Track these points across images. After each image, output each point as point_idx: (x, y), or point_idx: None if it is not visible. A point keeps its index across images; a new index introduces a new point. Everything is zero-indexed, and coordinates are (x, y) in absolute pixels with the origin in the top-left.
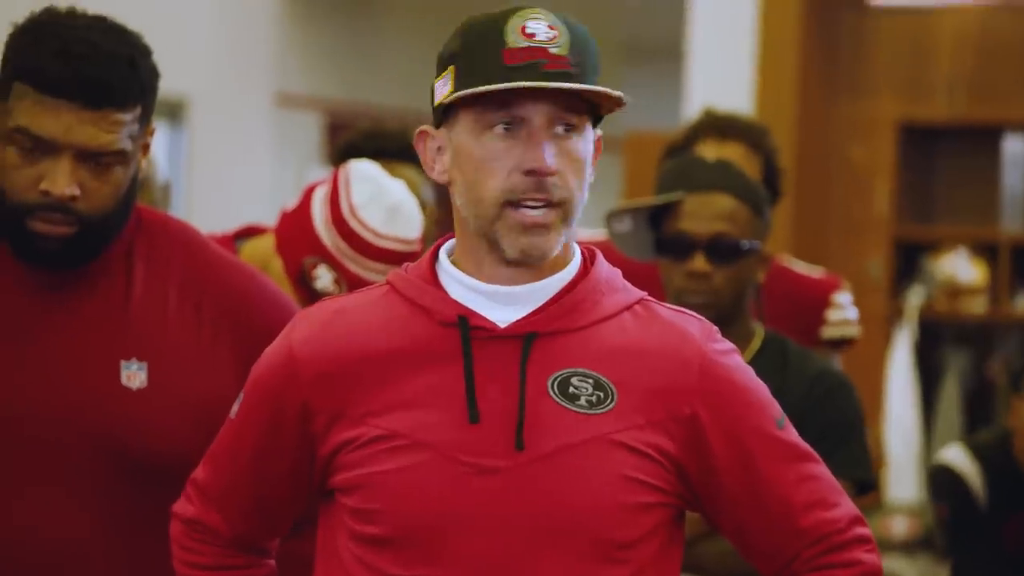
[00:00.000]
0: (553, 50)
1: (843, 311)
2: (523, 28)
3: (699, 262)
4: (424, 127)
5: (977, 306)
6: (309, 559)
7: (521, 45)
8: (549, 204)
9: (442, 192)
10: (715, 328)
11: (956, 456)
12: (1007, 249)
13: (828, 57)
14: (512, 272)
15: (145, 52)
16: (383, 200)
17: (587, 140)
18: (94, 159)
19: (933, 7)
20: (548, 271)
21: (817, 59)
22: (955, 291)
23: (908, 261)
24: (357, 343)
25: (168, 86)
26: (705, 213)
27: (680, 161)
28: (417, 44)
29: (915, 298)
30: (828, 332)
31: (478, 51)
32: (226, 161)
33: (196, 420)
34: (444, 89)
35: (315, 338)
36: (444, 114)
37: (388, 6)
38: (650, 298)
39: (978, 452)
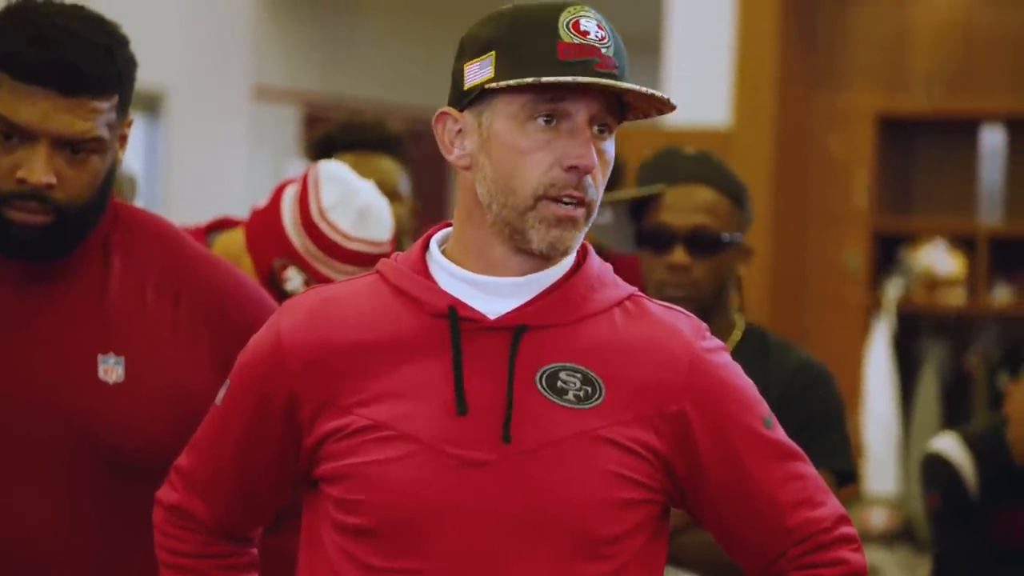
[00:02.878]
0: (604, 50)
1: None
2: (576, 24)
3: (679, 254)
4: (445, 108)
5: (955, 298)
6: (291, 555)
7: (576, 41)
8: (581, 202)
9: (419, 182)
10: (705, 326)
11: (948, 445)
12: (985, 241)
13: (806, 48)
14: (517, 263)
15: (122, 41)
16: (353, 202)
17: (613, 143)
18: (71, 147)
19: None
20: (543, 264)
21: (795, 50)
22: (933, 283)
23: (886, 253)
24: (345, 332)
25: (145, 78)
26: (685, 205)
27: (660, 154)
28: (395, 37)
29: (893, 290)
30: None
31: (529, 41)
32: (203, 154)
33: (173, 414)
34: (483, 72)
35: (303, 326)
36: (474, 98)
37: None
38: (641, 294)
39: (970, 442)
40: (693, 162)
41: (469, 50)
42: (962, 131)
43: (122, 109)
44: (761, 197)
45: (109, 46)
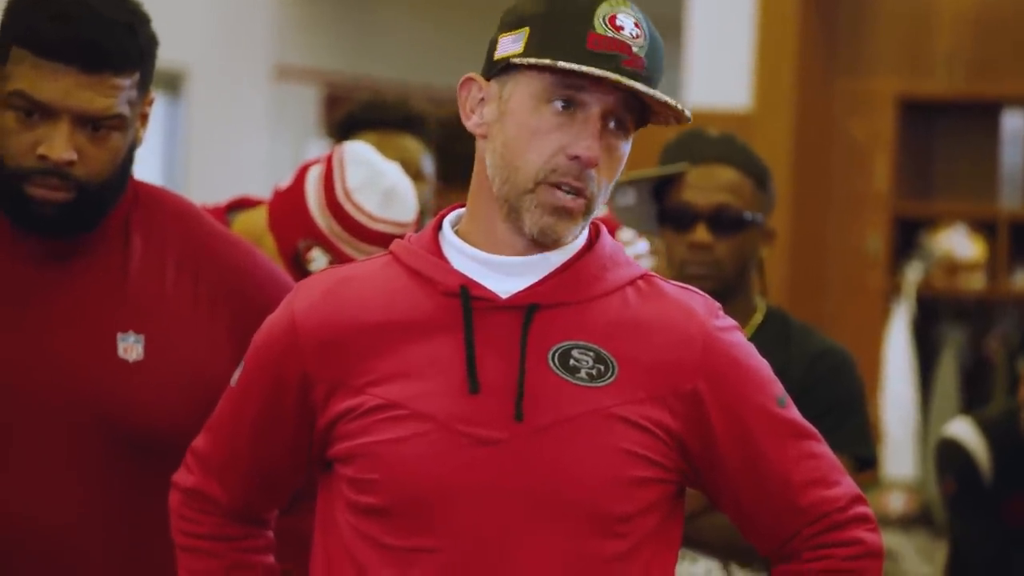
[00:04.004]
0: (635, 48)
1: (631, 248)
2: (613, 18)
3: (701, 233)
4: (472, 74)
5: (975, 282)
6: (306, 536)
7: (608, 34)
8: (581, 193)
9: (442, 163)
10: (718, 305)
11: (963, 430)
12: (1006, 225)
13: (827, 33)
14: (519, 242)
15: (144, 19)
16: (378, 183)
17: (628, 143)
18: (92, 124)
19: None
20: (542, 246)
21: (816, 35)
22: (953, 267)
23: (906, 237)
24: (359, 312)
25: (166, 58)
26: (708, 185)
27: (684, 134)
28: (416, 17)
29: (913, 274)
30: None
31: (563, 25)
32: (224, 133)
33: (192, 394)
34: (514, 46)
35: (317, 307)
36: (501, 70)
37: None
38: (654, 273)
39: (985, 427)
40: (717, 143)
41: (507, 22)
42: (983, 115)
43: (143, 87)
44: (781, 181)
45: (131, 23)
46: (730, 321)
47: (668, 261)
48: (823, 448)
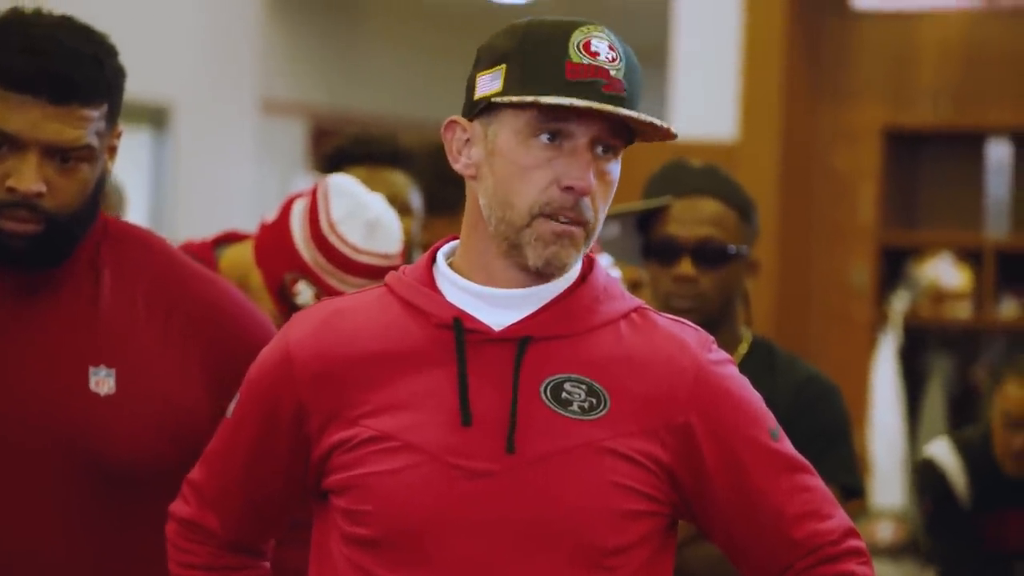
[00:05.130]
0: (613, 72)
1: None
2: (587, 44)
3: (686, 266)
4: (455, 117)
5: (962, 311)
6: (299, 569)
7: (585, 62)
8: (577, 222)
9: (430, 196)
10: (711, 338)
11: (940, 451)
12: (991, 254)
13: (812, 63)
14: (517, 276)
15: (111, 51)
16: (362, 215)
17: (618, 164)
18: (60, 155)
19: (917, 12)
20: (543, 279)
21: (801, 65)
22: (939, 296)
23: (893, 267)
24: (352, 344)
25: (152, 92)
26: (692, 218)
27: (667, 166)
28: (401, 51)
29: (899, 304)
30: None
31: (539, 58)
32: (210, 167)
33: (165, 426)
34: (493, 85)
35: (311, 339)
36: (483, 109)
37: (372, 13)
38: (647, 306)
39: (962, 447)
40: (700, 174)
41: (483, 60)
42: (968, 145)
43: (111, 119)
44: (767, 211)
45: (97, 55)
46: (723, 354)
47: (653, 293)
48: (816, 481)
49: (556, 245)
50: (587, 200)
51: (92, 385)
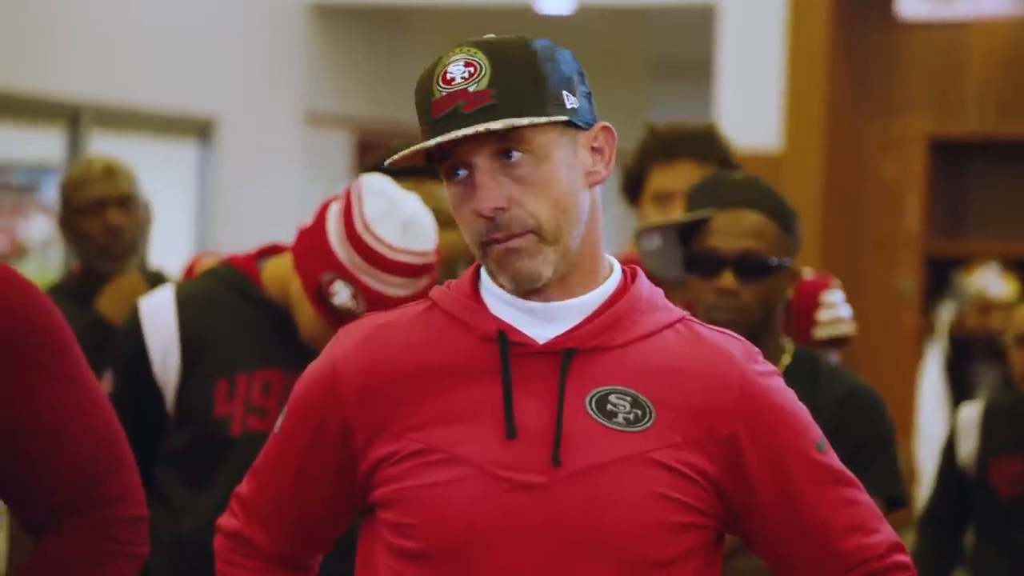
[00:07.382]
0: (472, 88)
1: (834, 309)
2: (444, 75)
3: (727, 279)
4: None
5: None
6: None
7: (443, 93)
8: (511, 236)
9: None
10: (757, 350)
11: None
12: None
13: (857, 73)
14: (546, 291)
15: None
16: (396, 213)
17: (549, 157)
18: None
19: (962, 22)
20: (586, 288)
21: (846, 75)
22: (986, 306)
23: (939, 277)
24: (397, 358)
25: (198, 105)
26: (733, 230)
27: (709, 178)
28: None
29: (946, 314)
30: (820, 332)
31: (420, 108)
32: (255, 180)
33: None
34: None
35: (356, 353)
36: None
37: (417, 24)
38: (692, 318)
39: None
40: (741, 186)
41: None
42: (1014, 154)
43: None
44: (812, 222)
45: None
46: (769, 366)
47: (696, 306)
48: (862, 495)
49: (508, 264)
50: (508, 214)
51: None
